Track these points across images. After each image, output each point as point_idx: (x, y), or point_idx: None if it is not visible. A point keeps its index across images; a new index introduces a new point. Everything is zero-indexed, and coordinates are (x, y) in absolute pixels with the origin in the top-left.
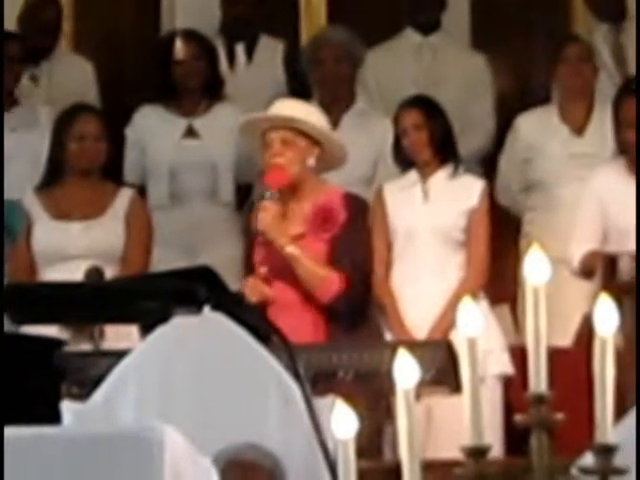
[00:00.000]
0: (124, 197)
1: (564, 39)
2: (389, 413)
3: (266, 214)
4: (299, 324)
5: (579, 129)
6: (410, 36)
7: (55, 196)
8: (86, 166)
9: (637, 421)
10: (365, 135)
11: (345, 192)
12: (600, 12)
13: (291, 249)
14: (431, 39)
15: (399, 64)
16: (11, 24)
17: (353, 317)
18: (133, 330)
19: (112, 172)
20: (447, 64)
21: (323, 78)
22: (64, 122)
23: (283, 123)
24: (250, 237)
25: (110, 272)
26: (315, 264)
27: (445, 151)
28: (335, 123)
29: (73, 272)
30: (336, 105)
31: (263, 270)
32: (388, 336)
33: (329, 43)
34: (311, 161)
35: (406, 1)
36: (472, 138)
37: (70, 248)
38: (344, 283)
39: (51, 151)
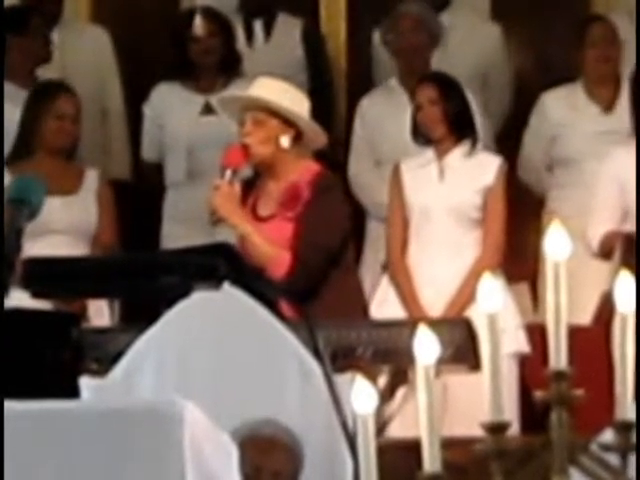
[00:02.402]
0: (92, 177)
1: (587, 19)
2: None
3: (217, 194)
4: None
5: (608, 106)
6: None
7: (26, 170)
8: (61, 145)
9: (637, 418)
10: None
11: (317, 169)
12: None
13: (242, 228)
14: (441, 18)
15: None
16: None
17: (301, 295)
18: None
19: (74, 154)
20: (458, 43)
21: (400, 48)
22: (43, 98)
23: (252, 103)
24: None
25: (83, 249)
26: (266, 243)
27: (461, 128)
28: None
29: (54, 247)
30: (413, 79)
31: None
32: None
33: (406, 14)
34: (284, 140)
35: None
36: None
37: (52, 223)
38: (293, 262)
39: (24, 124)
